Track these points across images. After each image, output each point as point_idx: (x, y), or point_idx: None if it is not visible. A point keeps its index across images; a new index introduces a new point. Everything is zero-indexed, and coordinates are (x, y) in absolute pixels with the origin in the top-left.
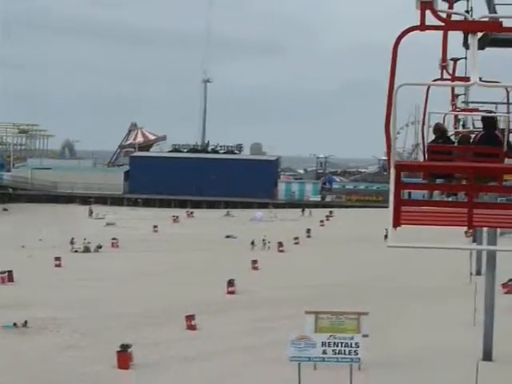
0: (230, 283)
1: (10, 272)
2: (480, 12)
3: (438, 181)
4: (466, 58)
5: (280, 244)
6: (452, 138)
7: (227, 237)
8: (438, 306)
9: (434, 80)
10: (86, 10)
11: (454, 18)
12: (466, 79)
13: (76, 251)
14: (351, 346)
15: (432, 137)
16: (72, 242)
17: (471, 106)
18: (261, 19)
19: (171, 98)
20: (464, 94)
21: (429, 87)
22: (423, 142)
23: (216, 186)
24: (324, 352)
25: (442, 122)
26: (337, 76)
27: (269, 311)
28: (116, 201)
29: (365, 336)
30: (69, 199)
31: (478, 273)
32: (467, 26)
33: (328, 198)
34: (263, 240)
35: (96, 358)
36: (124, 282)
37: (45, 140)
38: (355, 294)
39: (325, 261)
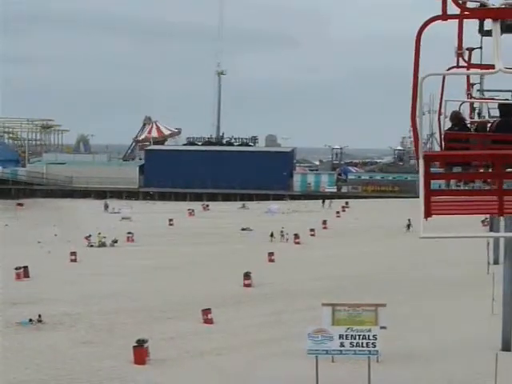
0: (247, 276)
1: (25, 268)
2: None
3: (455, 169)
4: (481, 47)
5: (296, 236)
6: (468, 126)
7: (243, 229)
8: (455, 296)
9: (449, 68)
10: (99, 4)
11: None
12: (487, 67)
13: (92, 246)
14: (369, 339)
15: (448, 125)
16: (87, 237)
17: (486, 94)
18: (274, 11)
19: (185, 91)
20: (479, 83)
21: (444, 76)
22: (440, 131)
23: (231, 178)
24: (341, 345)
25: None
26: (351, 66)
27: (285, 304)
28: (131, 195)
29: (383, 328)
30: (84, 194)
31: (496, 262)
32: (489, 14)
33: (344, 189)
34: (281, 232)
35: (112, 353)
36: (140, 276)
37: (59, 135)
38: (372, 285)
39: (341, 252)
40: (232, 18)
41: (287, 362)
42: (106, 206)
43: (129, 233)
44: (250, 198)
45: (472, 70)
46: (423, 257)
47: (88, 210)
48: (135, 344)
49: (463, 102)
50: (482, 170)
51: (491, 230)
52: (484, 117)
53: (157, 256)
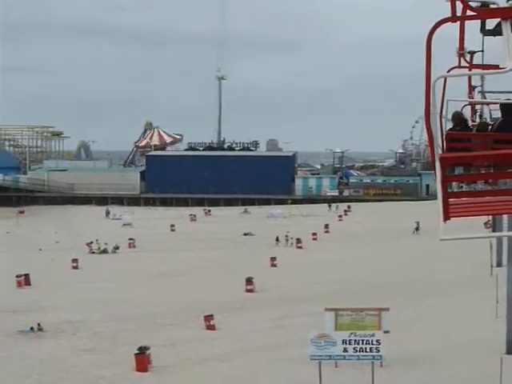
0: (249, 281)
1: (26, 275)
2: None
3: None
4: (482, 49)
5: (298, 240)
6: (470, 126)
7: (245, 234)
8: (459, 299)
9: (450, 69)
10: (100, 12)
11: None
12: (490, 67)
13: (93, 252)
14: (372, 343)
15: (450, 125)
16: (89, 244)
17: (487, 96)
18: (274, 16)
19: (186, 96)
20: (480, 86)
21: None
22: (441, 131)
23: (233, 183)
24: (345, 350)
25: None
26: (352, 70)
27: (288, 309)
28: (133, 201)
29: (386, 332)
30: (85, 200)
31: (499, 264)
32: (498, 14)
33: (345, 193)
34: (286, 236)
35: (114, 360)
36: (141, 283)
37: (60, 141)
38: (375, 289)
39: (344, 256)
40: (233, 23)
41: (290, 367)
42: (108, 213)
43: (130, 239)
44: (252, 202)
45: (485, 71)
46: (426, 260)
47: (89, 217)
48: (137, 351)
49: (465, 105)
50: (483, 171)
51: (494, 231)
52: (485, 119)
53: (159, 262)
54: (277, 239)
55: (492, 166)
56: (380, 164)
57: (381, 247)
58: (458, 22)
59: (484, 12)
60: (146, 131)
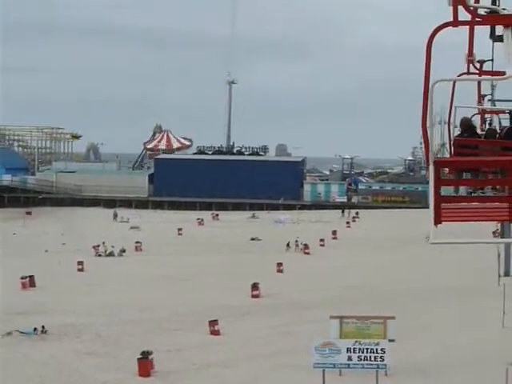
0: (255, 286)
1: (31, 277)
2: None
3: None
4: (492, 59)
5: (305, 246)
6: (478, 132)
7: (252, 239)
8: (465, 309)
9: (460, 75)
10: (109, 13)
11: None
12: (499, 74)
13: (100, 255)
14: (377, 352)
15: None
16: (95, 247)
17: (498, 104)
18: (285, 20)
19: (196, 100)
20: (491, 95)
21: (454, 82)
22: (449, 137)
23: (241, 187)
24: (349, 358)
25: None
26: (361, 76)
27: (293, 315)
28: (141, 204)
29: (391, 341)
30: (93, 202)
31: (507, 274)
32: (501, 20)
33: (354, 199)
34: (296, 241)
35: (117, 365)
36: (147, 287)
37: (69, 143)
38: (382, 297)
39: (351, 263)
40: (244, 26)
41: (295, 374)
42: (115, 215)
43: (137, 242)
44: (260, 207)
45: (483, 76)
46: (433, 268)
47: (97, 219)
48: (140, 356)
49: (475, 114)
50: (491, 177)
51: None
52: (495, 127)
53: (165, 266)
54: (288, 244)
55: (499, 173)
56: (389, 171)
57: (388, 254)
58: (468, 29)
59: (486, 18)
60: (155, 134)
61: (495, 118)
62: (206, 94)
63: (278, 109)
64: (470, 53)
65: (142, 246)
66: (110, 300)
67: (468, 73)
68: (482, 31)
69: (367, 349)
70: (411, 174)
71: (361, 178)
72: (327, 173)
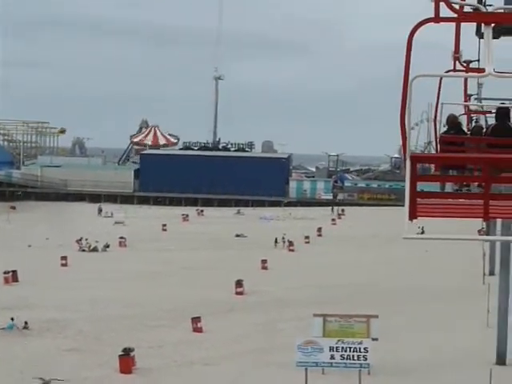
0: (239, 283)
1: (14, 272)
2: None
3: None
4: (478, 60)
5: (290, 243)
6: (464, 129)
7: (237, 236)
8: (449, 308)
9: (447, 71)
10: (97, 9)
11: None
12: (481, 70)
13: (83, 250)
14: (360, 351)
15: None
16: (79, 241)
17: (484, 102)
18: (272, 17)
19: (183, 95)
20: (477, 94)
21: (441, 79)
22: (435, 133)
23: (227, 183)
24: (332, 357)
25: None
26: (348, 73)
27: (277, 312)
28: (126, 199)
29: (374, 340)
30: (78, 197)
31: (491, 273)
32: (482, 18)
33: (340, 196)
34: (283, 238)
35: (98, 361)
36: (130, 283)
37: (55, 137)
38: (366, 295)
39: (336, 260)
40: (231, 23)
41: (277, 372)
42: (100, 210)
43: (121, 237)
44: (246, 203)
45: (461, 73)
46: (419, 266)
47: (82, 214)
48: (121, 353)
49: (461, 114)
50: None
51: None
52: (480, 124)
53: (149, 261)
54: (275, 241)
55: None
56: (375, 168)
57: (373, 252)
58: (454, 26)
59: (467, 15)
60: (141, 129)
61: (482, 117)
62: (193, 90)
63: (265, 105)
64: (457, 50)
65: (126, 241)
66: (93, 295)
67: (454, 70)
68: (469, 28)
69: (350, 348)
70: (397, 171)
71: (347, 175)
72: (313, 170)
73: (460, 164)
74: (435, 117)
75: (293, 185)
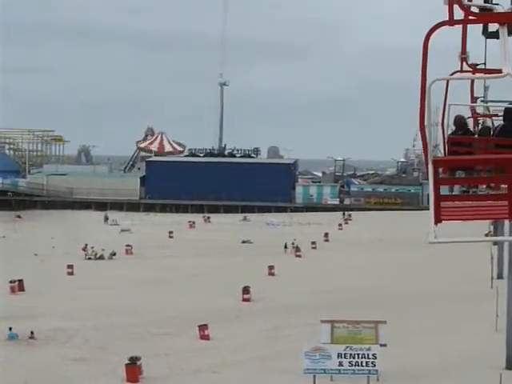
0: (246, 290)
1: (20, 281)
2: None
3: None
4: (485, 63)
5: (297, 249)
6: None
7: (244, 242)
8: (458, 312)
9: (453, 73)
10: (100, 15)
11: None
12: (493, 71)
13: (89, 258)
14: (368, 357)
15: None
16: (85, 250)
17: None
18: (277, 22)
19: (188, 101)
20: (483, 97)
21: (448, 81)
22: (443, 135)
23: (233, 190)
24: (340, 364)
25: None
26: (354, 78)
27: (284, 319)
28: (132, 206)
29: (383, 345)
30: (84, 205)
31: (500, 276)
32: (498, 18)
33: (346, 201)
34: (292, 244)
35: (104, 370)
36: (137, 290)
37: (60, 146)
38: (373, 300)
39: (343, 265)
40: (236, 28)
41: (285, 380)
42: (106, 218)
43: (127, 245)
44: (252, 210)
45: (479, 75)
46: (426, 270)
47: (88, 222)
48: (128, 362)
49: (468, 118)
50: (485, 175)
51: (495, 243)
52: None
53: (155, 269)
54: (285, 246)
55: (493, 171)
56: (381, 173)
57: (380, 257)
58: (461, 27)
59: (481, 16)
60: (146, 136)
61: (488, 121)
62: (199, 96)
63: (271, 111)
64: (464, 51)
65: (133, 249)
66: (100, 304)
67: (461, 71)
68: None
69: (358, 354)
70: (403, 175)
71: (353, 180)
72: (320, 175)
73: (468, 166)
74: (442, 119)
75: (299, 190)
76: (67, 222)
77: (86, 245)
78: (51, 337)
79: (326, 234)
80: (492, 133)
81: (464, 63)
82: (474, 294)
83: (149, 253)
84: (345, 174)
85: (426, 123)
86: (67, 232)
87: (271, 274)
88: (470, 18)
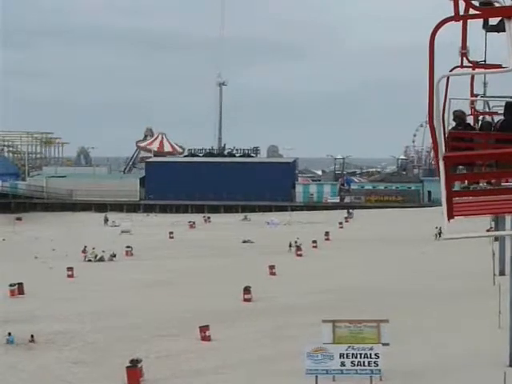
0: (247, 290)
1: (20, 284)
2: None
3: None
4: (485, 61)
5: (298, 248)
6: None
7: (244, 242)
8: (461, 309)
9: (453, 68)
10: (98, 17)
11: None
12: (493, 66)
13: (89, 260)
14: (371, 357)
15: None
16: (85, 252)
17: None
18: (275, 22)
19: (187, 102)
20: (483, 94)
21: (448, 77)
22: (444, 131)
23: (233, 189)
24: (342, 364)
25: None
26: (352, 76)
27: (286, 319)
28: (132, 207)
29: (385, 345)
30: (84, 207)
31: (502, 273)
32: (503, 12)
33: (347, 199)
34: (295, 242)
35: (105, 373)
36: (138, 292)
37: (60, 148)
38: (375, 298)
39: (344, 264)
40: (234, 29)
41: (287, 381)
42: (106, 220)
43: (127, 247)
44: (252, 209)
45: (488, 70)
46: (427, 268)
47: (88, 224)
48: (129, 364)
49: (469, 114)
50: (484, 170)
51: (496, 239)
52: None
53: (156, 270)
54: (290, 245)
55: (494, 165)
56: (381, 170)
57: (381, 255)
58: (460, 22)
59: (487, 11)
60: (146, 137)
61: (488, 117)
62: (198, 97)
63: (270, 110)
64: (464, 46)
65: (133, 250)
66: (100, 306)
67: (461, 66)
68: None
69: (360, 354)
70: (404, 173)
71: (353, 177)
72: (320, 173)
73: (468, 161)
74: (443, 112)
75: (299, 189)
76: (67, 224)
77: (86, 247)
78: (51, 340)
79: (327, 233)
80: (493, 128)
81: (464, 58)
82: (476, 291)
83: (149, 254)
84: (345, 172)
85: (435, 120)
86: (67, 234)
87: (272, 273)
88: (476, 12)
